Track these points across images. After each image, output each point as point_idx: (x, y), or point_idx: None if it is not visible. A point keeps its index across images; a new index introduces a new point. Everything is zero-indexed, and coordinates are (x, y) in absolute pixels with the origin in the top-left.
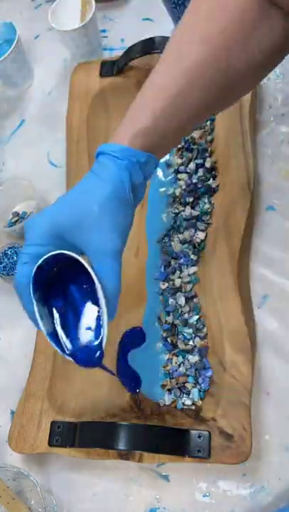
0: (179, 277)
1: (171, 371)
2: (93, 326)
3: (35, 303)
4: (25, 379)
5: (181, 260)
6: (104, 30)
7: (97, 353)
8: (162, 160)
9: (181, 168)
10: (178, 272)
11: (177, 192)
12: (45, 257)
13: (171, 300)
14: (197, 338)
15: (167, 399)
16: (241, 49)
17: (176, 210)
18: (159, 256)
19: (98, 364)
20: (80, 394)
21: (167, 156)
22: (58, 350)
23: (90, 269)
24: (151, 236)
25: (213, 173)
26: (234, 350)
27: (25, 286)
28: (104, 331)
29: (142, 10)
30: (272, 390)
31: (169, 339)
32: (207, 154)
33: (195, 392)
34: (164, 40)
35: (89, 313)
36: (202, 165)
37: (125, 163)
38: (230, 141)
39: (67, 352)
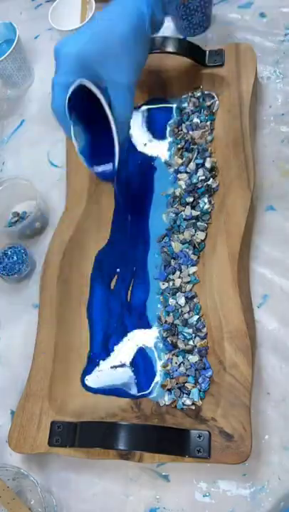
0: (179, 277)
1: (171, 371)
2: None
3: (72, 124)
4: (25, 379)
5: (181, 260)
6: None
7: (111, 168)
8: (162, 160)
9: (181, 168)
10: (178, 272)
11: (177, 192)
12: (74, 86)
13: (171, 300)
14: (197, 338)
15: (167, 399)
16: None
17: (176, 210)
18: (159, 256)
19: (112, 176)
20: (80, 394)
21: (167, 157)
22: (86, 165)
23: (100, 96)
24: (152, 236)
25: (213, 173)
26: (234, 350)
27: (62, 110)
28: (116, 149)
29: None
30: (272, 390)
31: (169, 339)
32: (207, 154)
33: (195, 392)
34: (164, 40)
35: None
36: (202, 165)
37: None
38: (230, 141)
39: (92, 167)
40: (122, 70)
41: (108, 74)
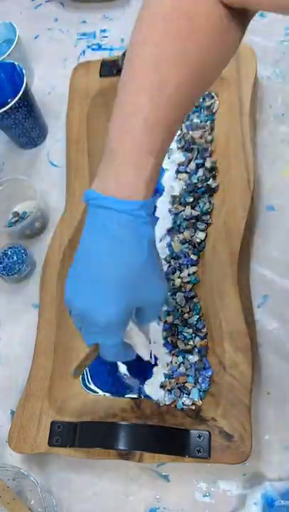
0: (179, 277)
1: (171, 371)
2: None
3: None
4: (25, 379)
5: (181, 260)
6: (104, 30)
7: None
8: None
9: (181, 168)
10: (178, 272)
11: (177, 192)
12: None
13: (171, 300)
14: (197, 338)
15: (167, 399)
16: (215, 60)
17: (176, 210)
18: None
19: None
20: (80, 394)
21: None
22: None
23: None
24: None
25: (213, 173)
26: (234, 350)
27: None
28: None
29: None
30: (272, 390)
31: (169, 339)
32: (207, 154)
33: (195, 392)
34: None
35: None
36: (202, 165)
37: (148, 220)
38: (230, 141)
39: None
40: (157, 288)
41: (147, 299)
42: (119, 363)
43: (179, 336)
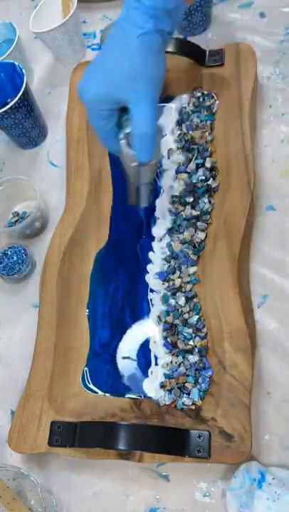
0: (179, 277)
1: (171, 371)
2: None
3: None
4: (25, 379)
5: (181, 260)
6: None
7: None
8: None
9: (181, 168)
10: (178, 272)
11: (177, 192)
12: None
13: (171, 300)
14: (197, 338)
15: (167, 399)
16: None
17: (176, 210)
18: (159, 255)
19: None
20: (80, 394)
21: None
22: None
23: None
24: (152, 235)
25: (213, 173)
26: (234, 350)
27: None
28: None
29: None
30: (272, 390)
31: (169, 339)
32: (207, 154)
33: (195, 392)
34: None
35: None
36: (202, 165)
37: (152, 13)
38: (230, 141)
39: None
40: (140, 89)
41: (128, 96)
42: (119, 363)
43: (179, 336)
